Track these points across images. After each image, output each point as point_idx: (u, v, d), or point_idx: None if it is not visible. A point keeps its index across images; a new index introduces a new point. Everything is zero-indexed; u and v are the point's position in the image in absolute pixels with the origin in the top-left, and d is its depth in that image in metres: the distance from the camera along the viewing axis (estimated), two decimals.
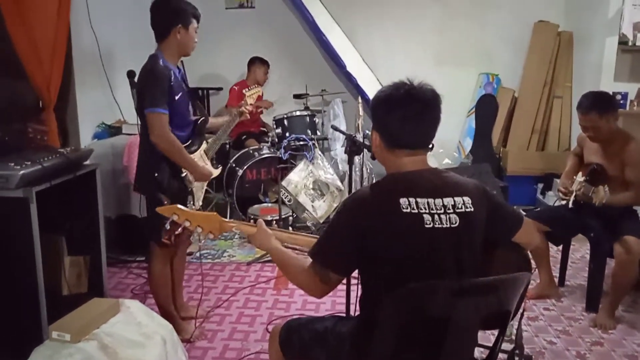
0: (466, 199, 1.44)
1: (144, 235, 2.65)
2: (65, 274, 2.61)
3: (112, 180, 3.73)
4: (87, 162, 2.72)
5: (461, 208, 1.42)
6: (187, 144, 2.54)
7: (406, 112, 1.43)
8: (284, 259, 1.57)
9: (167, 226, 1.78)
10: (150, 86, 2.36)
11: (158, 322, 2.15)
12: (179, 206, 1.74)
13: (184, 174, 2.51)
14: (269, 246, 1.63)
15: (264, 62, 5.15)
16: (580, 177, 3.06)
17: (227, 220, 1.75)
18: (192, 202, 2.59)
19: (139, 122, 2.48)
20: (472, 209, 1.43)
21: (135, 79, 2.49)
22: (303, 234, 1.78)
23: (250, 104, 2.92)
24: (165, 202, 2.38)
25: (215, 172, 2.77)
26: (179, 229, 1.77)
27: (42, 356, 1.80)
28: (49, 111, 3.13)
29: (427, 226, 1.38)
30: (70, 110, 3.58)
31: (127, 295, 3.21)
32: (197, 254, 3.85)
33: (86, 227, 2.69)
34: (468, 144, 5.34)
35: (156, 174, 2.42)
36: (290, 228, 4.21)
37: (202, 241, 4.10)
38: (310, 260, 1.46)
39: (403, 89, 1.45)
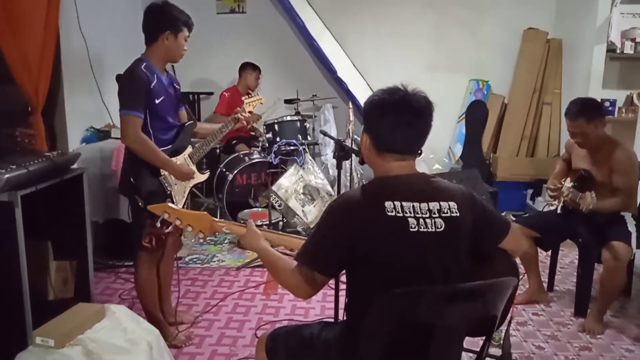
0: (452, 204, 1.44)
1: (131, 240, 2.64)
2: (52, 278, 2.58)
3: (101, 185, 3.70)
4: (75, 166, 2.70)
5: (447, 213, 1.42)
6: (168, 147, 2.54)
7: (399, 119, 1.43)
8: (272, 260, 1.57)
9: (158, 224, 1.77)
10: (125, 89, 2.41)
11: (144, 327, 2.13)
12: (170, 204, 1.75)
13: (162, 175, 2.51)
14: (258, 246, 1.63)
15: (255, 68, 5.14)
16: (568, 183, 3.07)
17: (217, 220, 1.76)
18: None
19: None
20: (458, 214, 1.43)
21: None
22: (292, 235, 1.78)
23: (249, 112, 2.92)
24: (140, 204, 2.41)
25: (202, 177, 2.76)
26: (166, 230, 1.76)
27: None
28: (37, 115, 3.10)
29: (412, 230, 1.38)
30: (58, 114, 3.55)
31: (115, 300, 3.18)
32: (186, 259, 3.83)
33: (73, 232, 2.66)
34: (458, 149, 5.36)
35: (131, 179, 2.44)
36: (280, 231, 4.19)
37: (193, 240, 4.08)
38: (297, 262, 1.46)
39: (398, 95, 1.45)
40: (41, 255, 2.58)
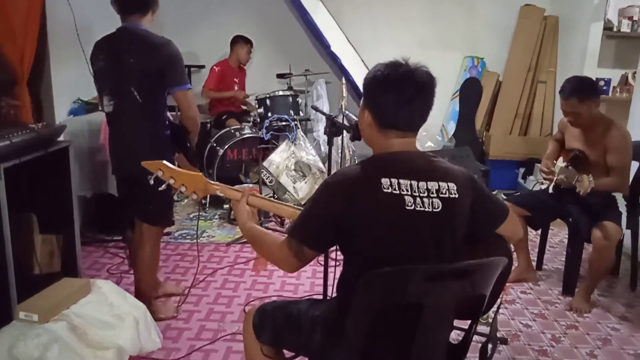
0: (451, 185, 1.41)
1: (124, 215, 2.63)
2: (37, 252, 2.55)
3: (89, 158, 3.65)
4: (61, 139, 2.64)
5: (445, 194, 1.39)
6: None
7: (403, 94, 1.39)
8: (257, 234, 1.57)
9: (151, 181, 1.73)
10: (181, 63, 2.39)
11: (131, 302, 2.12)
12: (165, 162, 1.72)
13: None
14: (244, 224, 1.61)
15: (247, 41, 5.05)
16: (561, 163, 3.06)
17: (212, 182, 1.75)
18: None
19: (135, 100, 2.36)
20: (457, 196, 1.40)
21: (133, 53, 2.36)
22: (287, 204, 1.74)
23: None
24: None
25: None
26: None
27: (9, 337, 1.76)
28: (22, 86, 3.02)
29: (408, 208, 1.35)
30: (44, 85, 3.46)
31: (103, 275, 3.16)
32: (175, 234, 3.81)
33: (59, 205, 2.62)
34: (451, 127, 5.34)
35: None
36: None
37: (185, 201, 4.04)
38: (286, 235, 1.45)
39: (401, 70, 1.40)
40: (26, 228, 2.54)
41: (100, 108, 2.67)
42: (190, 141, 2.57)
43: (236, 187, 1.78)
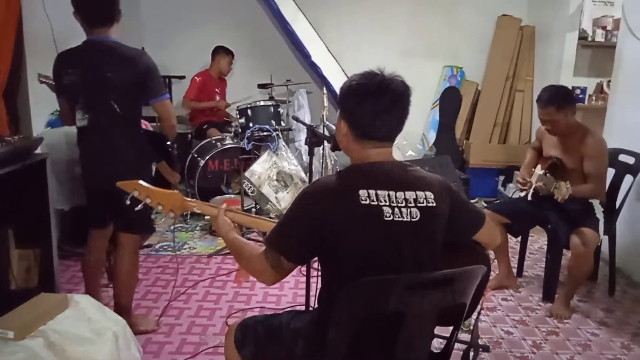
0: (428, 193, 1.41)
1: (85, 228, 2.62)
2: (13, 267, 2.50)
3: (66, 171, 3.57)
4: (38, 151, 2.60)
5: (423, 202, 1.40)
6: None
7: (378, 105, 1.39)
8: (238, 245, 1.56)
9: (127, 202, 1.72)
10: (157, 74, 2.38)
11: (110, 317, 2.08)
12: (141, 182, 1.70)
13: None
14: (226, 235, 1.61)
15: (228, 52, 5.05)
16: (539, 170, 3.10)
17: (189, 199, 1.73)
18: None
19: (115, 112, 2.33)
20: (434, 204, 1.41)
21: (110, 66, 2.33)
22: (264, 218, 1.75)
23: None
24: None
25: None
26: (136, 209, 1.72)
27: None
28: None
29: (386, 219, 1.35)
30: (21, 97, 3.41)
31: (82, 290, 3.09)
32: (156, 246, 3.77)
33: (36, 219, 2.57)
34: (432, 136, 5.38)
35: (140, 173, 2.26)
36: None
37: (163, 220, 4.01)
38: (264, 246, 1.44)
39: (376, 80, 1.41)
40: (2, 243, 2.49)
41: (63, 123, 2.62)
42: (171, 146, 2.58)
43: (211, 201, 1.77)
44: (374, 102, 1.40)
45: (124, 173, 2.26)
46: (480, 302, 1.50)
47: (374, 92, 1.40)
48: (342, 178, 1.42)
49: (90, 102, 2.36)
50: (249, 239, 3.83)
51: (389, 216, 1.36)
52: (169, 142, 2.61)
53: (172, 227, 4.13)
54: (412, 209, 1.38)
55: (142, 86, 2.34)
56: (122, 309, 2.56)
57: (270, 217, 4.10)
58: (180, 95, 5.11)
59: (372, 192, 1.36)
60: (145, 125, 3.42)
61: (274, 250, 1.41)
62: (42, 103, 3.70)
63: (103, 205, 2.51)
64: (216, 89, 5.08)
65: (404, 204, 1.38)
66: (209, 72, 5.06)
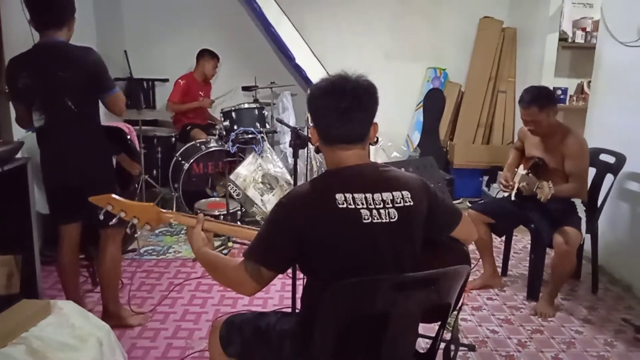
0: (405, 193, 1.42)
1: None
2: None
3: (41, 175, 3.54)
4: (19, 156, 2.57)
5: (400, 202, 1.40)
6: None
7: (337, 106, 1.39)
8: (211, 259, 1.54)
9: (101, 217, 1.69)
10: (105, 69, 2.44)
11: (94, 323, 2.05)
12: (114, 196, 1.67)
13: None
14: (198, 249, 1.59)
15: (213, 56, 5.01)
16: (522, 170, 3.13)
17: (164, 211, 1.70)
18: None
19: (70, 110, 2.39)
20: (412, 203, 1.42)
21: (60, 66, 2.37)
22: (244, 226, 1.74)
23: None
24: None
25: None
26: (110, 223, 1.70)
27: None
28: None
29: (365, 221, 1.36)
30: (1, 101, 3.37)
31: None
32: (141, 250, 3.73)
33: (17, 224, 2.54)
34: (416, 137, 5.41)
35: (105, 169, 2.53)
36: (238, 222, 4.14)
37: (139, 232, 3.96)
38: (242, 258, 1.42)
39: (336, 83, 1.41)
40: None
41: (20, 126, 2.64)
42: (130, 139, 2.59)
43: (196, 205, 1.76)
44: (333, 104, 1.40)
45: (85, 167, 2.45)
46: (462, 298, 1.52)
47: (333, 95, 1.40)
48: (317, 184, 1.43)
49: (46, 103, 2.41)
50: (234, 242, 3.84)
51: (368, 218, 1.36)
52: (128, 136, 2.62)
53: (157, 232, 4.10)
54: (390, 210, 1.39)
55: (92, 82, 2.41)
56: (109, 310, 2.64)
57: (256, 220, 4.10)
58: (164, 98, 5.08)
59: (348, 195, 1.36)
60: (127, 128, 3.40)
61: (253, 262, 1.40)
62: None
63: (68, 202, 2.52)
64: (200, 92, 5.05)
65: (381, 205, 1.38)
66: (193, 75, 5.03)
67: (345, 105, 1.39)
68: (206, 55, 5.00)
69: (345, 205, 1.35)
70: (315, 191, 1.40)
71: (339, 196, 1.35)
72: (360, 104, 1.41)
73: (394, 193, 1.41)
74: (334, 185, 1.38)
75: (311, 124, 1.47)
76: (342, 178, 1.41)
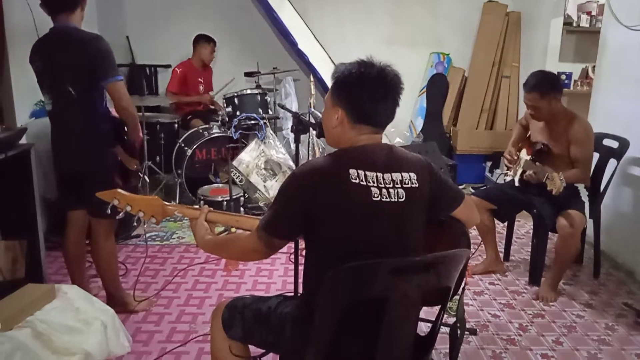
0: (412, 174, 1.46)
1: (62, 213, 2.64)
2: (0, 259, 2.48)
3: (52, 160, 3.56)
4: (22, 142, 2.58)
5: (408, 184, 1.45)
6: None
7: (378, 92, 1.45)
8: (218, 241, 1.63)
9: (109, 211, 1.74)
10: (111, 55, 2.42)
11: (98, 307, 2.07)
12: (120, 191, 1.73)
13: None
14: (201, 239, 1.65)
15: (209, 40, 4.97)
16: (525, 155, 3.12)
17: (169, 204, 1.76)
18: None
19: (71, 96, 2.41)
20: (417, 185, 1.46)
21: (64, 51, 2.39)
22: (246, 215, 1.76)
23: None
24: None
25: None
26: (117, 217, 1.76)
27: None
28: None
29: (374, 199, 1.39)
30: (4, 87, 3.37)
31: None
32: (145, 236, 3.76)
33: (21, 210, 2.56)
34: (419, 123, 5.39)
35: (100, 155, 2.47)
36: (241, 209, 4.15)
37: (145, 225, 3.99)
38: (257, 228, 1.47)
39: (375, 69, 1.45)
40: None
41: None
42: (127, 134, 2.58)
43: (199, 191, 1.79)
44: (375, 90, 1.45)
45: (77, 153, 2.46)
46: (464, 280, 1.53)
47: (375, 81, 1.45)
48: (333, 159, 1.46)
49: (51, 88, 2.45)
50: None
51: (377, 197, 1.40)
52: (127, 129, 2.61)
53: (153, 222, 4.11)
54: (399, 190, 1.43)
55: (93, 69, 2.39)
56: (113, 295, 2.67)
57: (259, 206, 4.11)
58: (165, 84, 5.06)
59: (361, 172, 1.40)
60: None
61: (266, 233, 1.45)
62: (25, 94, 3.66)
63: (70, 187, 2.56)
64: (199, 79, 5.03)
65: (391, 185, 1.42)
66: (191, 62, 5.00)
67: (384, 93, 1.45)
68: (201, 40, 4.96)
69: (357, 181, 1.39)
70: (331, 164, 1.44)
71: (353, 171, 1.39)
72: (395, 93, 1.48)
73: (403, 174, 1.45)
74: (349, 161, 1.43)
75: (334, 105, 1.49)
76: (357, 155, 1.45)
